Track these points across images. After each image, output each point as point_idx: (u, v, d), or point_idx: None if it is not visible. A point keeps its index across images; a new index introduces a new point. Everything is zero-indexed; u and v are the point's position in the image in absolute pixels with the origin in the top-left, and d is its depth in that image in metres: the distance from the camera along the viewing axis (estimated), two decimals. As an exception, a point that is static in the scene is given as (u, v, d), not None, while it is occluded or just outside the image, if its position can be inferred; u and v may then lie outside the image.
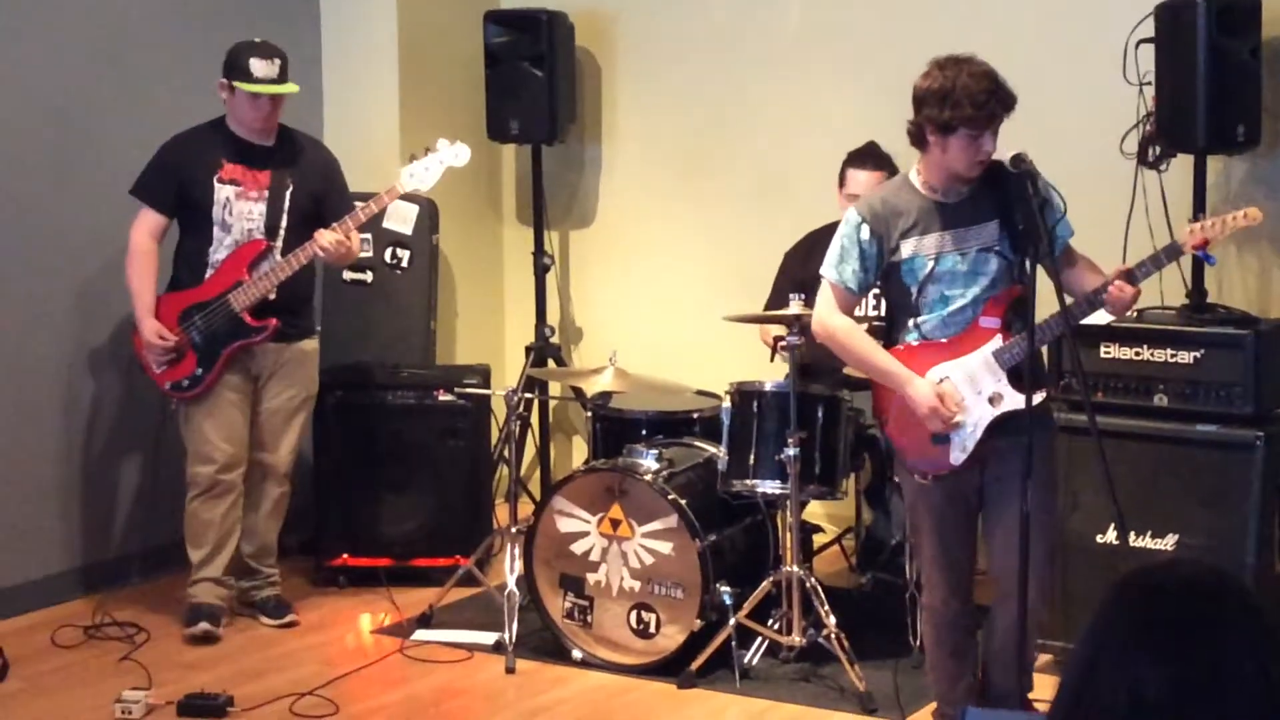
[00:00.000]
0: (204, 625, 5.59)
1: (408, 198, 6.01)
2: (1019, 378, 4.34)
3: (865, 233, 4.41)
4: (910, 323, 4.46)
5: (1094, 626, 2.00)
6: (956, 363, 4.40)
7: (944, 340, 4.43)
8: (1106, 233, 5.56)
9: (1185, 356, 5.11)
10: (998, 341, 4.39)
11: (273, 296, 5.61)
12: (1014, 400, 4.35)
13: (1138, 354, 5.17)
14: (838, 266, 4.46)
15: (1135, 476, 4.97)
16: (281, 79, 5.62)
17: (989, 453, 4.41)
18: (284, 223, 5.64)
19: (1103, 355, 5.18)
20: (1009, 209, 4.35)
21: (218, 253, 5.63)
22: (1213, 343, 5.11)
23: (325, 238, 5.53)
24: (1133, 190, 5.65)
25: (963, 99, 4.22)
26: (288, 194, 5.64)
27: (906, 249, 4.40)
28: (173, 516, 5.83)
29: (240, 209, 5.61)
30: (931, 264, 4.39)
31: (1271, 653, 1.93)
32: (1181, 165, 5.63)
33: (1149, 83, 5.56)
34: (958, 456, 4.43)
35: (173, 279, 5.71)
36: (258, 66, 5.57)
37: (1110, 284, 4.35)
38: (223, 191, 5.61)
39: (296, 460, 5.91)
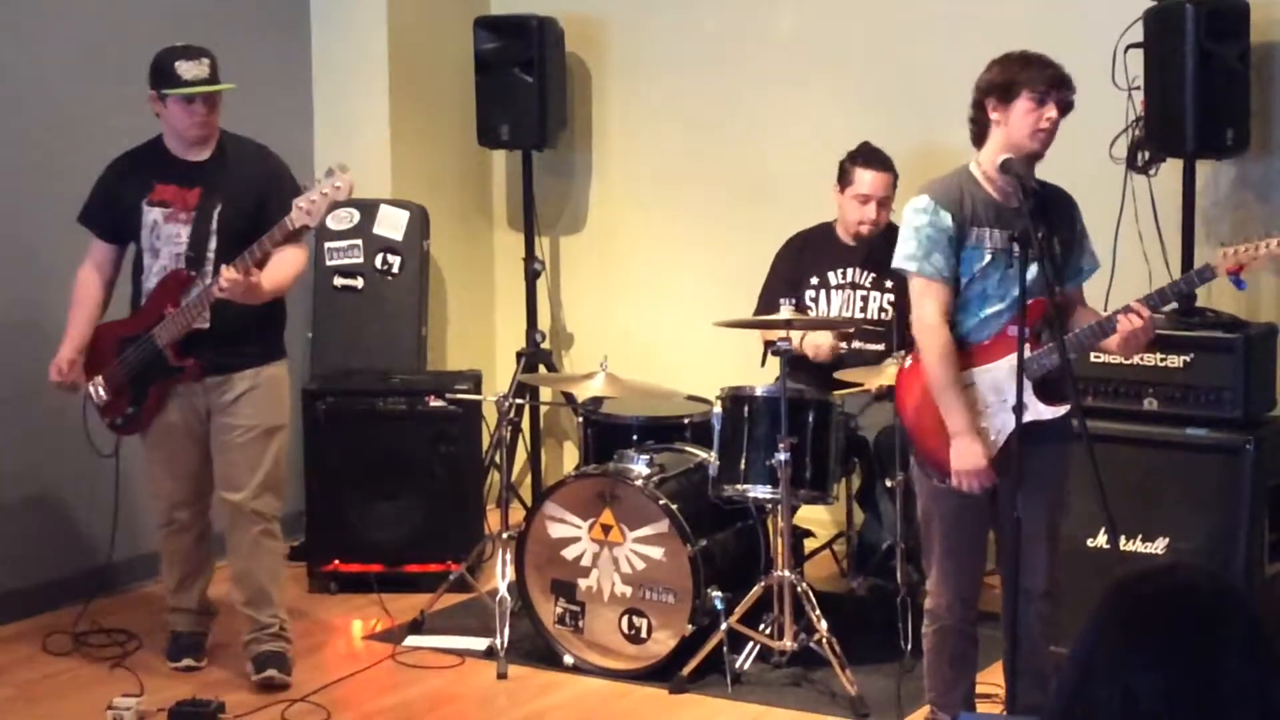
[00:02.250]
0: (187, 660, 5.45)
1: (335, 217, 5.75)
2: (1045, 388, 4.34)
3: (946, 218, 4.35)
4: (951, 319, 4.44)
5: (1089, 630, 1.99)
6: (984, 369, 4.39)
7: (975, 345, 4.42)
8: (1096, 237, 5.55)
9: (1175, 360, 5.12)
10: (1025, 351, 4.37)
11: (205, 327, 5.20)
12: (1038, 410, 4.31)
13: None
14: (928, 259, 4.35)
15: (1126, 480, 4.97)
16: (213, 78, 5.23)
17: (1009, 458, 4.39)
18: (212, 244, 5.20)
19: (1093, 359, 5.17)
20: (1053, 224, 4.39)
21: (148, 280, 5.29)
22: (1202, 347, 5.13)
23: (224, 277, 5.01)
24: (1122, 195, 5.66)
25: (1022, 64, 4.36)
26: (216, 213, 5.22)
27: (973, 237, 4.38)
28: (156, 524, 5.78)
29: (168, 232, 5.24)
30: (988, 258, 4.37)
31: (1268, 662, 1.93)
32: (1171, 170, 5.65)
33: (1138, 87, 5.58)
34: None
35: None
36: (185, 68, 5.19)
37: (1121, 313, 4.32)
38: (150, 214, 5.26)
39: (276, 496, 5.41)
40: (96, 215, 5.39)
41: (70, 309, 5.38)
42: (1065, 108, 4.38)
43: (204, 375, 5.26)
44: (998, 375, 4.38)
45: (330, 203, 5.09)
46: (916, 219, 4.38)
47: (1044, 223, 4.32)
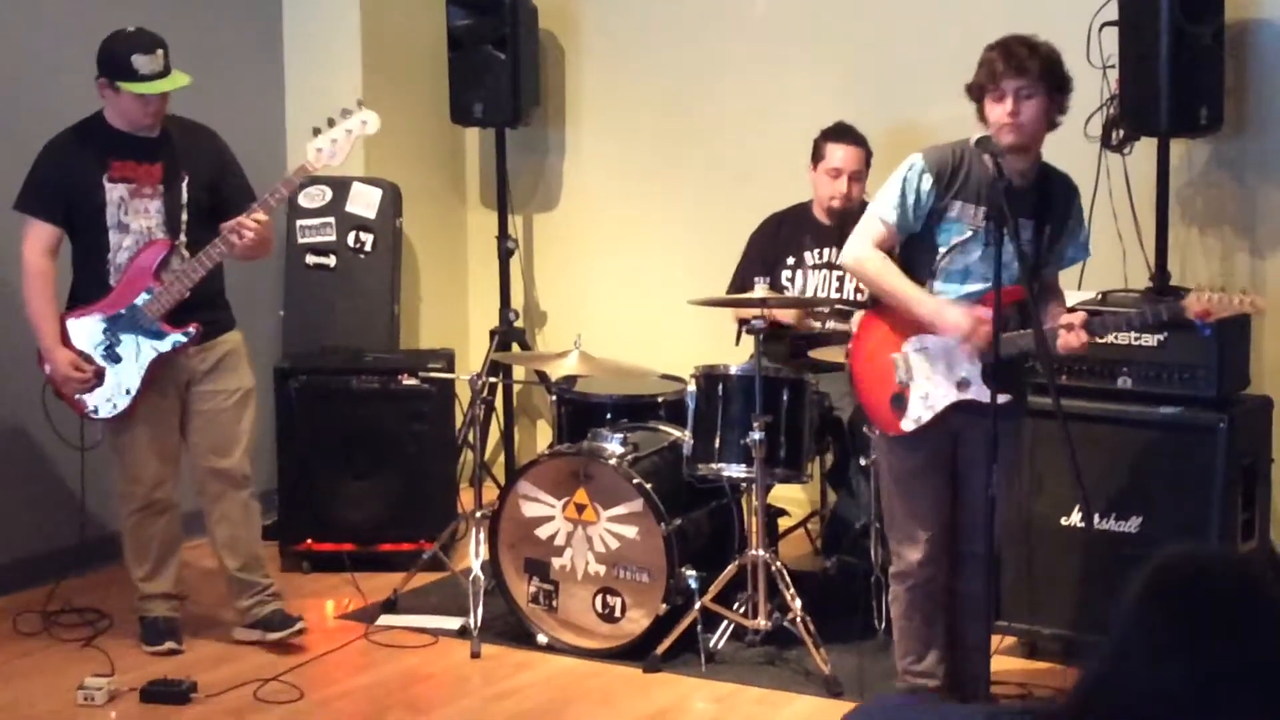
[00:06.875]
0: (169, 644, 5.39)
1: (325, 178, 5.75)
2: (991, 374, 4.38)
3: (927, 181, 4.43)
4: (928, 285, 4.47)
5: (1125, 616, 1.94)
6: (941, 338, 4.45)
7: None
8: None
9: (1149, 339, 5.12)
10: None
11: (187, 296, 5.22)
12: (980, 392, 4.40)
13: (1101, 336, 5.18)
14: (889, 205, 4.46)
15: (1100, 459, 4.98)
16: (167, 70, 5.14)
17: (961, 427, 4.45)
18: (183, 217, 5.24)
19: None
20: (1046, 214, 4.43)
21: (118, 256, 5.23)
22: (1176, 326, 5.11)
23: (246, 226, 5.08)
24: (1096, 173, 5.66)
25: (982, 61, 4.40)
26: (184, 186, 5.25)
27: (954, 209, 4.43)
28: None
29: (136, 207, 5.21)
30: (969, 234, 4.42)
31: None
32: (1145, 148, 5.64)
33: (1112, 66, 5.58)
34: (908, 424, 4.50)
35: (72, 294, 5.31)
36: (142, 63, 5.08)
37: (1066, 327, 4.39)
38: (115, 191, 5.19)
39: (253, 461, 5.54)
40: (45, 199, 5.24)
41: (40, 304, 5.24)
42: (1021, 95, 4.36)
43: (201, 341, 5.29)
44: (951, 347, 4.45)
45: (355, 139, 5.22)
46: (901, 170, 4.50)
47: (1038, 208, 4.40)
